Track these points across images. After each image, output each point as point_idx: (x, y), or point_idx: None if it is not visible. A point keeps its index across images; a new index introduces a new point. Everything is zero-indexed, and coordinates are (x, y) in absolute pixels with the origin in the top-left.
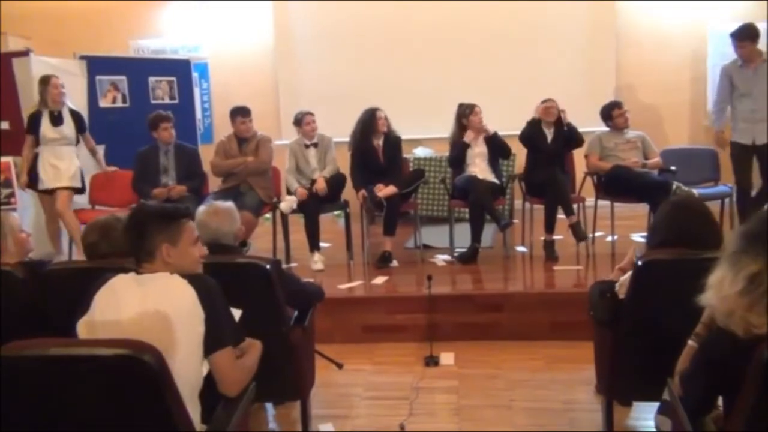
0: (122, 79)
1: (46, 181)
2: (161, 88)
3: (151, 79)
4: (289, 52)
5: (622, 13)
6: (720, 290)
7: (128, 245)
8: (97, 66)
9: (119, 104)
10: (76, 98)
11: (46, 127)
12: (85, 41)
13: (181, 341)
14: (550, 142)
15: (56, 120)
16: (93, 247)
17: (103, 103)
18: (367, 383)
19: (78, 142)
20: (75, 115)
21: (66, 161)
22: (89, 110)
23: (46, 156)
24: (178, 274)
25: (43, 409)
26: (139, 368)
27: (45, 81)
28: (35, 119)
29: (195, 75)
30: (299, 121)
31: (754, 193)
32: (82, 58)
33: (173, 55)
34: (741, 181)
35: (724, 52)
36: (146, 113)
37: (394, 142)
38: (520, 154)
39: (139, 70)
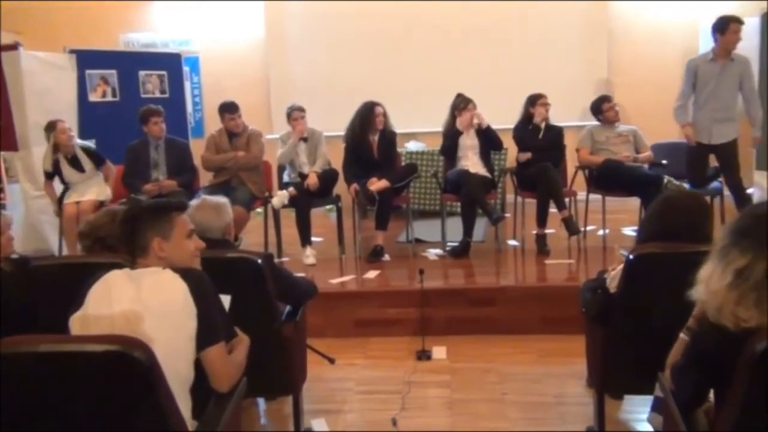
0: (112, 73)
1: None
2: (151, 82)
3: (142, 73)
4: (280, 46)
5: (615, 10)
6: (709, 284)
7: (122, 241)
8: (86, 60)
9: (109, 98)
10: (65, 92)
11: (68, 172)
12: (74, 35)
13: (172, 336)
14: (540, 138)
15: (75, 164)
16: (89, 250)
17: (93, 97)
18: (360, 378)
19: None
20: (88, 152)
21: (94, 189)
22: (79, 104)
23: (76, 193)
24: (171, 269)
25: (33, 406)
26: (129, 364)
27: (51, 127)
28: (54, 165)
29: (186, 69)
30: (288, 116)
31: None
32: (72, 52)
33: (164, 49)
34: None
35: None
36: (136, 107)
37: (389, 138)
38: (512, 149)
39: (129, 64)
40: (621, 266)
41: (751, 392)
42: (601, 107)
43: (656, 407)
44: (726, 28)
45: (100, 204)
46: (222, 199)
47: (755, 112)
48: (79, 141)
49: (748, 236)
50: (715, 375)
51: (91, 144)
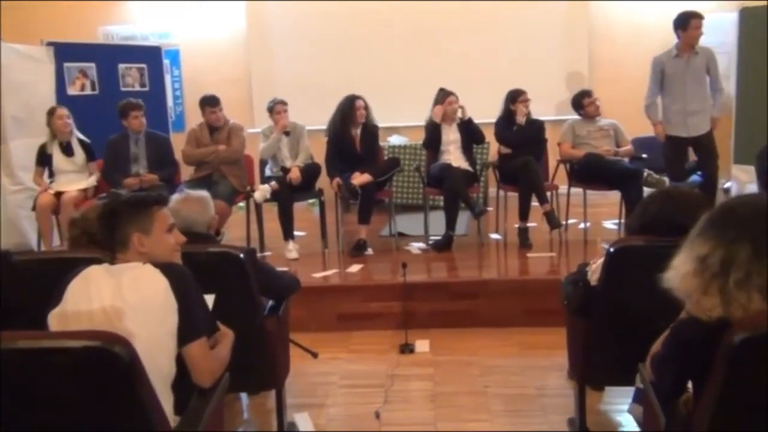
0: (91, 66)
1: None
2: (131, 76)
3: (121, 66)
4: (262, 39)
5: (595, 7)
6: (677, 271)
7: (101, 236)
8: (64, 53)
9: (88, 92)
10: (43, 86)
11: (58, 158)
12: (52, 27)
13: (153, 331)
14: (521, 133)
15: (67, 151)
16: (76, 240)
17: (72, 90)
18: (343, 372)
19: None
20: (84, 145)
21: (82, 182)
22: (57, 98)
23: (60, 184)
24: (151, 264)
25: (12, 403)
26: (110, 360)
27: (51, 112)
28: (45, 151)
29: (166, 62)
30: (270, 110)
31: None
32: (50, 44)
33: (143, 42)
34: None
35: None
36: (116, 101)
37: (371, 132)
38: (494, 142)
39: (108, 56)
40: (602, 259)
41: (728, 383)
42: (582, 102)
43: (636, 398)
44: (687, 24)
45: (84, 194)
46: (204, 193)
47: (717, 95)
48: (78, 133)
49: (714, 226)
50: (694, 366)
51: (87, 139)
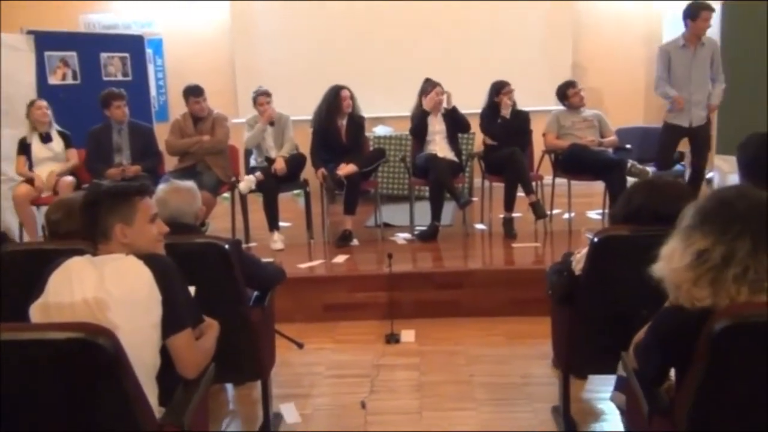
0: (72, 55)
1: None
2: (113, 65)
3: (103, 56)
4: (246, 28)
5: None
6: (670, 263)
7: (83, 227)
8: (45, 41)
9: (70, 81)
10: (24, 75)
11: (37, 147)
12: (32, 16)
13: (136, 323)
14: (507, 124)
15: (45, 139)
16: (55, 225)
17: (53, 80)
18: (329, 362)
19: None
20: (63, 135)
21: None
22: (38, 87)
23: (39, 172)
24: (134, 255)
25: None
26: (93, 352)
27: (31, 104)
28: (25, 142)
29: (149, 51)
30: (254, 100)
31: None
32: (30, 33)
33: (125, 31)
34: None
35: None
36: (98, 90)
37: (357, 122)
38: (479, 133)
39: (90, 45)
40: (586, 249)
41: (709, 371)
42: (567, 92)
43: (619, 386)
44: (697, 15)
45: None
46: (192, 184)
47: (716, 84)
48: (57, 126)
49: (711, 220)
50: (676, 354)
51: (67, 131)
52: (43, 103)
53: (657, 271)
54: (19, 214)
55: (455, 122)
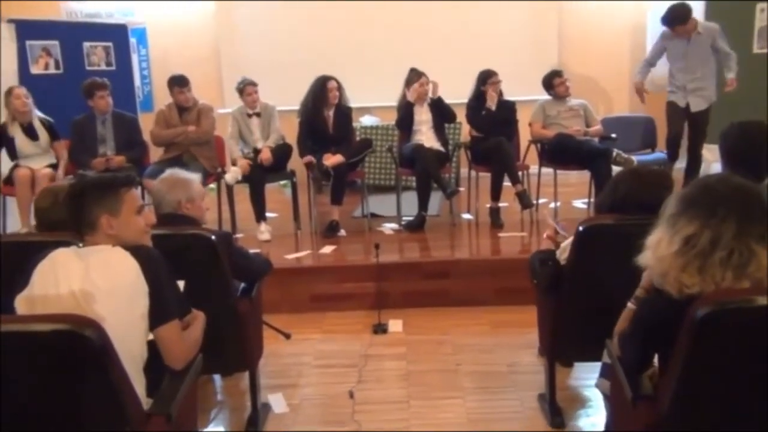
0: (55, 44)
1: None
2: (96, 54)
3: (86, 45)
4: (230, 17)
5: None
6: (657, 251)
7: (69, 218)
8: (27, 30)
9: (52, 71)
10: (5, 65)
11: (21, 141)
12: (13, 4)
13: (123, 315)
14: (493, 114)
15: (30, 133)
16: (44, 213)
17: (35, 69)
18: (316, 352)
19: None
20: (47, 125)
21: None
22: (20, 77)
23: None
24: (121, 246)
25: None
26: (80, 344)
27: (8, 92)
28: (6, 133)
29: (132, 41)
30: (241, 90)
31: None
32: (11, 21)
33: (108, 20)
34: (673, 130)
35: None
36: (81, 80)
37: (344, 113)
38: (466, 122)
39: (72, 34)
40: (571, 238)
41: (692, 357)
42: (552, 82)
43: (604, 373)
44: (687, 18)
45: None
46: (174, 172)
47: (729, 60)
48: (38, 112)
49: (695, 205)
50: (659, 340)
51: (49, 118)
52: (22, 90)
53: (643, 260)
54: (20, 198)
55: (441, 112)
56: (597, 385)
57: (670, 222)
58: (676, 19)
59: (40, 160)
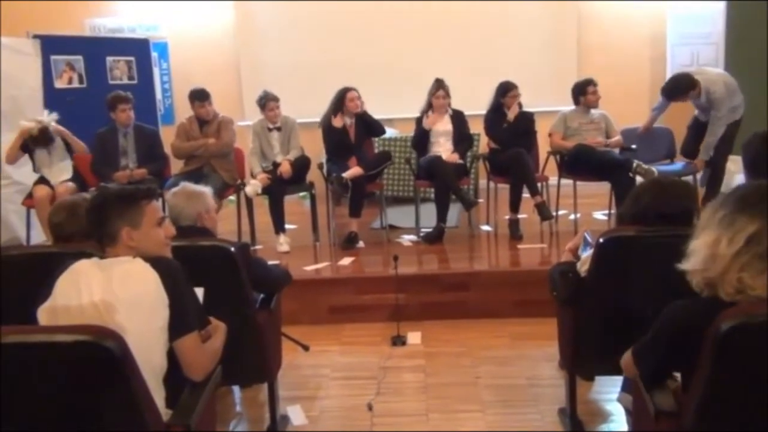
0: (78, 59)
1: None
2: (119, 68)
3: (109, 59)
4: (250, 31)
5: None
6: (716, 251)
7: (90, 230)
8: (51, 45)
9: (76, 85)
10: (30, 79)
11: (40, 152)
12: (39, 20)
13: (144, 326)
14: (512, 125)
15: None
16: (59, 227)
17: (59, 83)
18: (335, 364)
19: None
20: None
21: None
22: (44, 91)
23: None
24: (141, 258)
25: (1, 398)
26: (101, 354)
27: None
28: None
29: (154, 55)
30: (263, 105)
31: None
32: (36, 37)
33: (131, 35)
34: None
35: (683, 33)
36: (104, 94)
37: (366, 122)
38: (484, 135)
39: (95, 49)
40: (592, 251)
41: (716, 372)
42: (586, 89)
43: (626, 387)
44: (686, 92)
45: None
46: (186, 185)
47: (709, 138)
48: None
49: (754, 204)
50: (684, 347)
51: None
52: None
53: (691, 265)
54: (41, 217)
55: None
56: (619, 400)
57: (726, 221)
58: (675, 90)
59: (58, 172)
